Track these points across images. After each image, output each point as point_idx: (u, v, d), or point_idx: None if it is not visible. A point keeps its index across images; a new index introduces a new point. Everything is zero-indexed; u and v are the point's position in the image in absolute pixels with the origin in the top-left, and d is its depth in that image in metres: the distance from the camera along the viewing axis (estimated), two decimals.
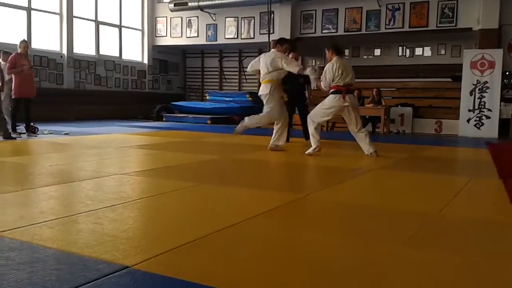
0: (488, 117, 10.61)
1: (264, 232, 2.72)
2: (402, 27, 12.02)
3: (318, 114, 6.32)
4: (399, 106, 11.88)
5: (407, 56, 13.88)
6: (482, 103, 10.67)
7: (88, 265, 2.05)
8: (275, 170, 5.22)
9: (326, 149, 6.64)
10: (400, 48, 13.91)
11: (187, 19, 15.43)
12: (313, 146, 6.21)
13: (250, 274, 2.04)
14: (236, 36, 14.67)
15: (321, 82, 6.20)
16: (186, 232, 2.60)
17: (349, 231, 2.77)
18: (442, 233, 2.77)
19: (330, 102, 6.18)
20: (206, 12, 14.74)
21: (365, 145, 6.22)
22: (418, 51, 13.77)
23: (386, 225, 2.96)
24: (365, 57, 14.51)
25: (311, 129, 6.30)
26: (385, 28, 12.22)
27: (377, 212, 3.27)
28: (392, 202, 3.63)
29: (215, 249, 2.36)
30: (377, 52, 14.32)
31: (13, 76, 8.37)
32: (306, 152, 6.23)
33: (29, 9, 12.58)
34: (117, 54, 15.43)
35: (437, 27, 11.65)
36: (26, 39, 9.22)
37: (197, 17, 15.17)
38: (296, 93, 7.95)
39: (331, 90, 6.14)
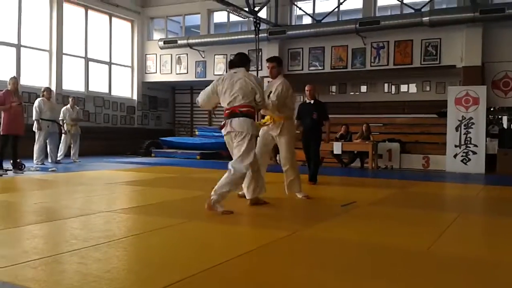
0: (474, 153, 10.73)
1: (251, 271, 2.68)
2: (387, 65, 12.27)
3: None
4: (387, 142, 11.99)
5: (392, 92, 14.11)
6: (468, 138, 10.82)
7: None
8: (263, 206, 5.19)
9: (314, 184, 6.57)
10: (386, 84, 14.15)
11: (177, 56, 15.62)
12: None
13: None
14: (225, 73, 14.82)
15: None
16: (173, 272, 2.56)
17: (337, 268, 2.75)
18: (430, 272, 2.76)
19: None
20: (195, 49, 14.95)
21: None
22: (404, 87, 14.01)
23: (373, 262, 2.95)
24: (352, 93, 14.73)
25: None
26: (371, 66, 12.46)
27: (365, 249, 3.25)
28: (381, 238, 3.61)
29: None
30: (363, 88, 14.54)
31: (2, 112, 8.38)
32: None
33: (18, 46, 12.65)
34: (107, 91, 15.50)
35: (421, 64, 11.91)
36: (15, 76, 9.22)
37: (187, 54, 15.37)
38: (310, 129, 7.41)
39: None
